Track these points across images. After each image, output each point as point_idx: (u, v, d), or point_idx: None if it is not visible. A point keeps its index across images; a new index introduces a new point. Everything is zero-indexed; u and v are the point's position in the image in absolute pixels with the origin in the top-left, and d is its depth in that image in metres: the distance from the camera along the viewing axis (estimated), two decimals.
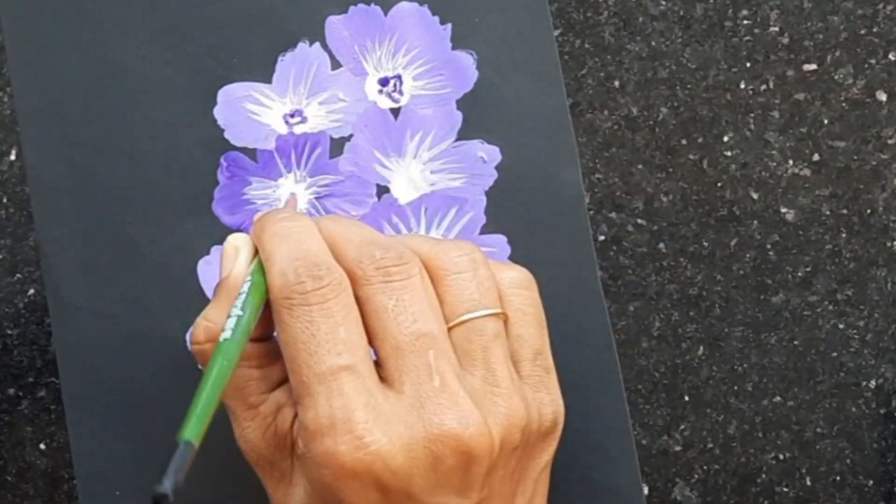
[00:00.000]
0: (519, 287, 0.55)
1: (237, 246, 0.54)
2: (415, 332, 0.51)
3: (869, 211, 0.62)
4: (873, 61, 0.62)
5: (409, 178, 0.61)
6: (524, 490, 0.53)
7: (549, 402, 0.54)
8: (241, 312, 0.51)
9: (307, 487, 0.52)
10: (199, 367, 0.53)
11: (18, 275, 0.64)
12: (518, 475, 0.53)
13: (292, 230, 0.53)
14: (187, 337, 0.54)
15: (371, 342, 0.51)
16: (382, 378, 0.51)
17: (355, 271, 0.52)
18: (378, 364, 0.51)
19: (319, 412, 0.49)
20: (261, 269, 0.53)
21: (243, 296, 0.51)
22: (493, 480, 0.51)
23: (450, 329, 0.52)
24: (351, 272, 0.52)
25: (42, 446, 0.64)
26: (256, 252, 0.54)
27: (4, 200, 0.64)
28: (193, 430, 0.46)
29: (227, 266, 0.54)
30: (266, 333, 0.53)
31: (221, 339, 0.50)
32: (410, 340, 0.51)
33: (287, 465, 0.53)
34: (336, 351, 0.50)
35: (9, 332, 0.64)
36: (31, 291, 0.64)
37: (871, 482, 0.62)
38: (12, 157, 0.64)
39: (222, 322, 0.51)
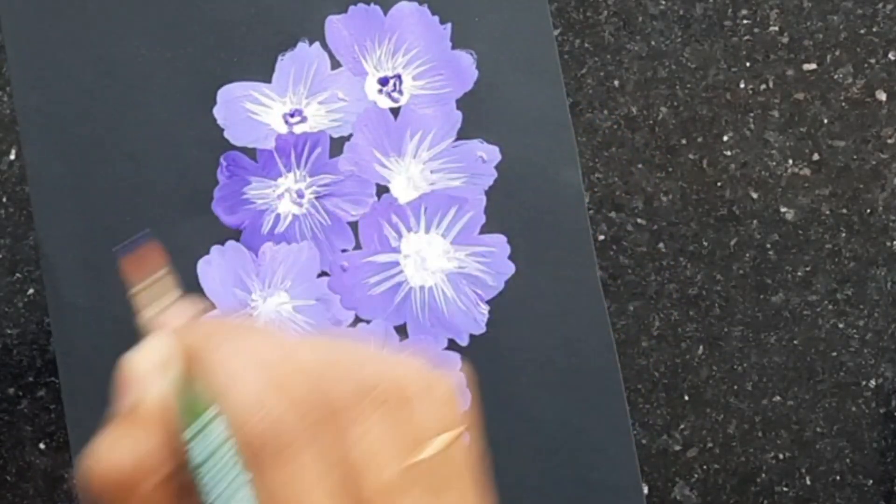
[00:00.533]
0: (450, 401, 0.49)
1: (167, 360, 0.42)
2: (392, 475, 0.46)
3: (869, 210, 0.62)
4: (873, 61, 0.62)
5: (408, 178, 0.61)
6: None
7: None
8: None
9: None
10: None
11: (18, 274, 0.64)
12: None
13: (243, 363, 0.41)
14: (80, 473, 0.40)
15: (345, 480, 0.44)
16: None
17: (319, 412, 0.41)
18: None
19: None
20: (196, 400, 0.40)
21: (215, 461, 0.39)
22: None
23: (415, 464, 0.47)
24: (310, 413, 0.41)
25: (42, 446, 0.64)
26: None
27: (4, 200, 0.64)
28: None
29: (142, 382, 0.43)
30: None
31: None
32: (387, 482, 0.43)
33: None
34: None
35: (8, 331, 0.64)
36: (31, 291, 0.64)
37: (871, 482, 0.62)
38: (12, 157, 0.64)
39: (129, 469, 0.40)
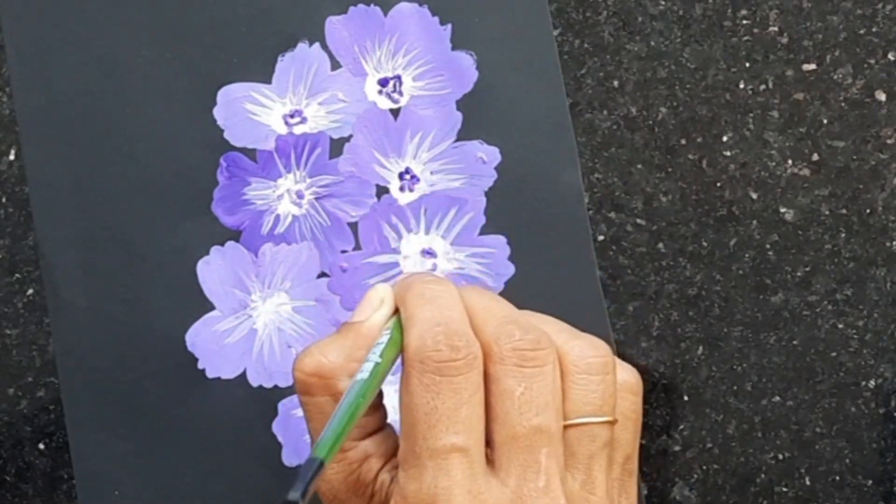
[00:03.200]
0: (629, 391, 0.55)
1: (382, 298, 0.54)
2: (535, 426, 0.50)
3: (868, 211, 0.62)
4: (872, 61, 0.62)
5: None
6: None
7: None
8: (379, 360, 0.51)
9: None
10: (299, 396, 0.53)
11: (17, 274, 0.64)
12: None
13: (437, 294, 0.53)
14: (294, 363, 0.54)
15: (488, 422, 0.51)
16: (489, 460, 0.51)
17: (492, 347, 0.51)
18: (489, 444, 0.51)
19: (423, 487, 0.49)
20: (399, 328, 0.53)
21: (382, 346, 0.51)
22: None
23: (565, 427, 0.52)
24: (487, 347, 0.51)
25: (41, 446, 0.64)
26: (397, 310, 0.54)
27: (4, 200, 0.64)
28: (324, 448, 0.47)
29: (364, 312, 0.54)
30: None
31: (358, 377, 0.50)
32: (528, 433, 0.50)
33: None
34: (455, 430, 0.50)
35: (8, 332, 0.64)
36: (31, 291, 0.64)
37: (871, 482, 0.62)
38: (12, 157, 0.64)
39: (337, 363, 0.52)
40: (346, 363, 0.52)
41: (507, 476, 0.50)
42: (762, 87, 0.62)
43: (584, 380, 0.53)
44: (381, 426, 0.54)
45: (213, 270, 0.61)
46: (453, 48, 0.61)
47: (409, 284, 0.54)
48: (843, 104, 0.62)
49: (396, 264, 0.61)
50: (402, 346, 0.52)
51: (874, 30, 0.62)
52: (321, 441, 0.47)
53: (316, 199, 0.61)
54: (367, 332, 0.53)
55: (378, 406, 0.54)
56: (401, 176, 0.61)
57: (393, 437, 0.54)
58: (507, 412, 0.51)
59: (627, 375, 0.55)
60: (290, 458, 0.62)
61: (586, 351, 0.53)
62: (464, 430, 0.50)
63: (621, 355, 0.61)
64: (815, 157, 0.62)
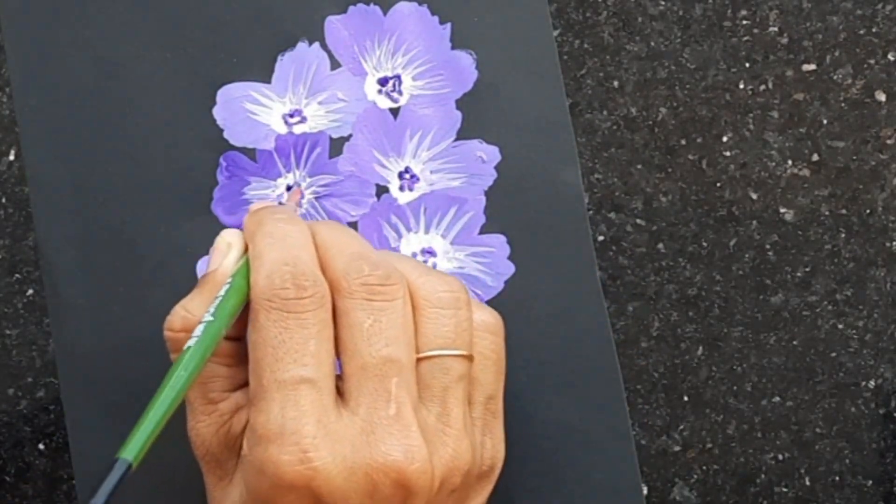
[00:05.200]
0: (487, 331, 0.55)
1: (230, 242, 0.55)
2: (384, 357, 0.50)
3: (868, 211, 0.62)
4: (872, 61, 0.62)
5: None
6: None
7: (490, 447, 0.55)
8: (211, 318, 0.51)
9: (243, 491, 0.52)
10: (171, 355, 0.53)
11: (17, 275, 0.64)
12: None
13: (287, 234, 0.53)
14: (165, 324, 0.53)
15: (338, 355, 0.51)
16: (340, 393, 0.51)
17: (340, 283, 0.51)
18: (340, 378, 0.51)
19: (271, 418, 0.49)
20: (246, 270, 0.53)
21: (218, 300, 0.52)
22: None
23: (418, 360, 0.52)
24: (335, 283, 0.51)
25: (41, 446, 0.64)
26: (247, 249, 0.54)
27: (3, 200, 0.64)
28: (133, 449, 0.46)
29: (215, 260, 0.54)
30: (241, 333, 0.53)
31: (185, 346, 0.50)
32: (377, 363, 0.50)
33: (232, 464, 0.53)
34: (302, 362, 0.50)
35: (8, 332, 0.64)
36: (30, 292, 0.64)
37: (871, 482, 0.62)
38: (12, 157, 0.64)
39: (200, 314, 0.51)
40: (203, 311, 0.52)
41: (356, 405, 0.50)
42: (762, 87, 0.62)
43: (436, 313, 0.53)
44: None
45: None
46: (453, 47, 0.61)
47: (259, 222, 0.54)
48: (843, 104, 0.62)
49: None
50: (250, 287, 0.52)
51: (874, 30, 0.62)
52: (131, 440, 0.46)
53: (316, 198, 0.61)
54: (220, 279, 0.53)
55: (246, 357, 0.54)
56: (400, 175, 0.61)
57: None
58: (355, 344, 0.51)
59: (486, 315, 0.55)
60: None
61: (437, 286, 0.53)
62: (312, 362, 0.50)
63: (621, 355, 0.61)
64: (815, 157, 0.62)
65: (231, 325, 0.51)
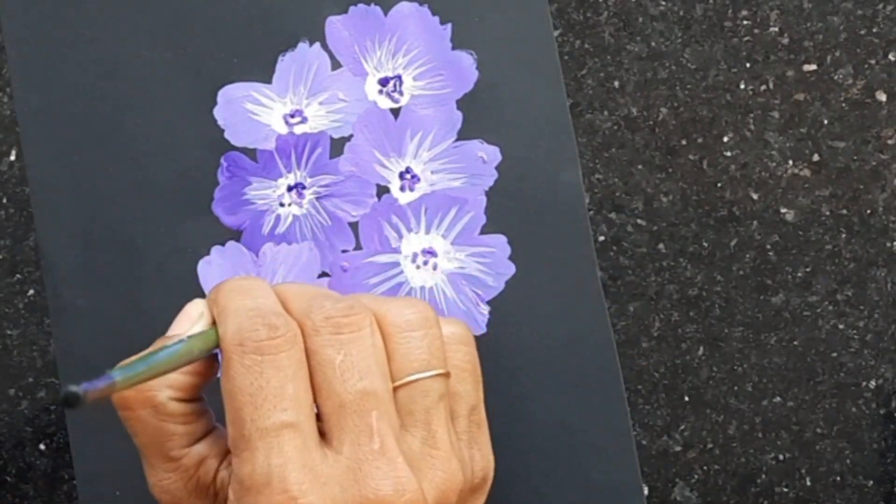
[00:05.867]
0: (459, 342, 0.54)
1: (201, 311, 0.53)
2: (360, 391, 0.50)
3: (869, 211, 0.62)
4: (873, 61, 0.62)
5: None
6: None
7: (479, 459, 0.54)
8: (185, 338, 0.50)
9: None
10: (118, 410, 0.52)
11: (18, 275, 0.64)
12: None
13: (249, 286, 0.52)
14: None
15: (315, 396, 0.51)
16: (322, 433, 0.50)
17: (305, 322, 0.50)
18: (319, 418, 0.51)
19: (256, 468, 0.48)
20: (213, 334, 0.52)
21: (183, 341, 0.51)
22: None
23: (395, 388, 0.51)
24: (301, 324, 0.51)
25: (42, 446, 0.64)
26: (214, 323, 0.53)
27: (4, 200, 0.64)
28: (127, 373, 0.46)
29: (181, 325, 0.53)
30: (193, 394, 0.53)
31: (188, 334, 0.50)
32: (355, 399, 0.50)
33: None
34: (282, 406, 0.49)
35: (8, 332, 0.64)
36: (31, 292, 0.64)
37: (871, 482, 0.62)
38: (12, 157, 0.64)
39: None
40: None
41: (340, 444, 0.49)
42: (763, 87, 0.62)
43: (406, 337, 0.52)
44: (211, 428, 0.53)
45: (214, 271, 0.61)
46: (454, 47, 0.61)
47: (220, 286, 0.53)
48: (843, 105, 0.62)
49: (397, 264, 0.61)
50: (218, 342, 0.51)
51: (874, 30, 0.62)
52: (129, 364, 0.47)
53: (316, 198, 0.61)
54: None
55: (204, 410, 0.53)
56: (401, 175, 0.61)
57: (225, 435, 0.53)
58: (329, 382, 0.50)
59: (455, 328, 0.55)
60: None
61: (404, 309, 0.52)
62: (292, 406, 0.49)
63: (622, 355, 0.61)
64: (816, 157, 0.62)
65: (192, 362, 0.51)
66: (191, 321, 0.53)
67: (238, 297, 0.51)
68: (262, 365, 0.49)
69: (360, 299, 0.52)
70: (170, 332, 0.53)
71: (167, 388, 0.51)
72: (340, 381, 0.50)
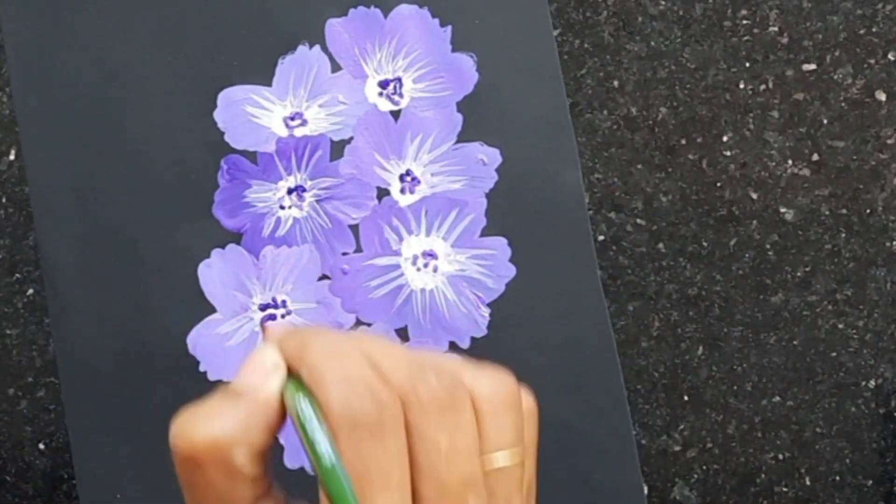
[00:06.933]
0: (532, 417, 0.54)
1: (276, 362, 0.49)
2: (463, 476, 0.49)
3: (868, 211, 0.62)
4: (872, 61, 0.62)
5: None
6: None
7: None
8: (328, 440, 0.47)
9: None
10: (178, 466, 0.47)
11: (17, 275, 0.64)
12: None
13: (341, 348, 0.49)
14: (174, 430, 0.46)
15: (412, 473, 0.50)
16: None
17: (409, 397, 0.49)
18: (414, 494, 0.51)
19: None
20: (299, 388, 0.48)
21: (315, 421, 0.47)
22: None
23: (486, 472, 0.51)
24: (404, 397, 0.50)
25: (42, 446, 0.64)
26: (290, 371, 0.50)
27: (4, 200, 0.64)
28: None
29: (255, 377, 0.49)
30: (266, 455, 0.51)
31: (329, 464, 0.49)
32: (457, 484, 0.49)
33: None
34: (388, 491, 0.48)
35: (8, 332, 0.64)
36: (31, 291, 0.64)
37: (871, 482, 0.62)
38: (12, 157, 0.64)
39: (233, 434, 0.47)
40: (243, 435, 0.47)
41: None
42: (762, 87, 0.62)
43: (498, 418, 0.52)
44: (269, 487, 0.52)
45: (214, 273, 0.61)
46: (454, 50, 0.61)
47: (304, 342, 0.49)
48: (843, 104, 0.62)
49: (398, 266, 0.61)
50: (320, 406, 0.48)
51: (874, 30, 0.62)
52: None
53: (317, 201, 0.61)
54: (265, 400, 0.48)
55: (268, 471, 0.52)
56: (401, 178, 0.61)
57: (282, 496, 0.51)
58: (433, 465, 0.49)
59: (529, 403, 0.54)
60: (291, 461, 0.62)
61: (496, 388, 0.52)
62: (396, 488, 0.49)
63: (622, 355, 0.61)
64: (815, 157, 0.62)
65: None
66: (265, 372, 0.49)
67: (336, 362, 0.49)
68: (370, 445, 0.48)
69: (456, 373, 0.51)
70: (241, 380, 0.49)
71: (244, 446, 0.48)
72: (445, 465, 0.49)
